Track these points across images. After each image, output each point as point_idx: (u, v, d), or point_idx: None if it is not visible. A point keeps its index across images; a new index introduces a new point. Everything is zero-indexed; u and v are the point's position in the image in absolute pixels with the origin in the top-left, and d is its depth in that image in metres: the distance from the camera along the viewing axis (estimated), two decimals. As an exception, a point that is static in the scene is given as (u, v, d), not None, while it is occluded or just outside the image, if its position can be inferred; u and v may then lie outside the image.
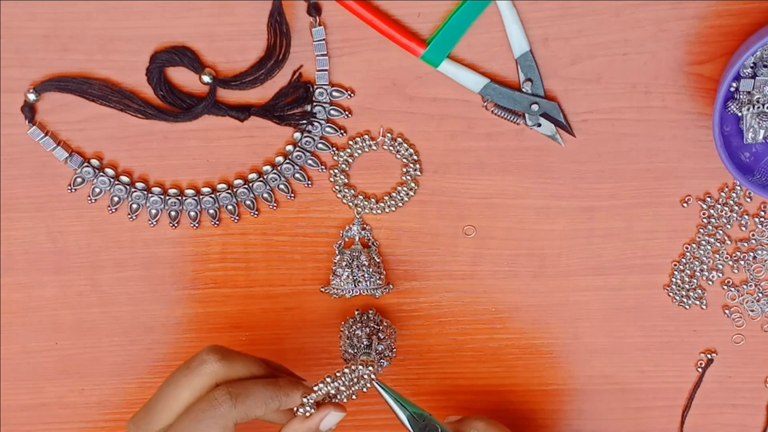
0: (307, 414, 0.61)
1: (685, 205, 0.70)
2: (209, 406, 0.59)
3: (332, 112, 0.68)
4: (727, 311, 0.72)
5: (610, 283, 0.71)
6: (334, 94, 0.67)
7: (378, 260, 0.70)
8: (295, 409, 0.61)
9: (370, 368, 0.62)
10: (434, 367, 0.73)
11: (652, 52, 0.67)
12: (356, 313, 0.70)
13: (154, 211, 0.69)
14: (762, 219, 0.70)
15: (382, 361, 0.69)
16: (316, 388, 0.61)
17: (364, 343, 0.68)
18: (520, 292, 0.72)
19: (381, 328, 0.69)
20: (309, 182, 0.69)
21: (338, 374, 0.62)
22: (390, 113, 0.68)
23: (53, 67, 0.66)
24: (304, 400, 0.61)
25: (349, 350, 0.69)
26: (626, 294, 0.72)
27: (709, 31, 0.66)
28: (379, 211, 0.70)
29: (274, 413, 0.61)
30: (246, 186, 0.69)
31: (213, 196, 0.69)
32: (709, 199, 0.70)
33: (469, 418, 0.66)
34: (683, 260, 0.71)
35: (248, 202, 0.69)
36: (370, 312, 0.71)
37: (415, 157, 0.69)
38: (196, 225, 0.70)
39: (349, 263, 0.69)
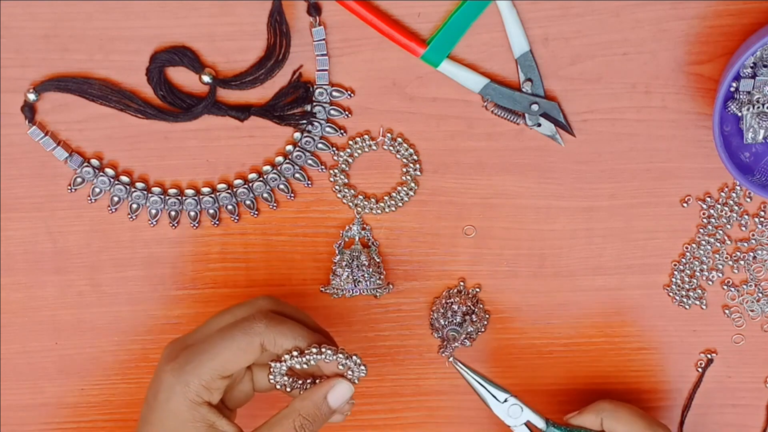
0: (285, 360, 0.60)
1: (684, 205, 0.70)
2: (245, 320, 0.60)
3: (332, 112, 0.68)
4: (727, 311, 0.72)
5: (610, 283, 0.71)
6: (334, 94, 0.67)
7: (378, 260, 0.70)
8: (282, 358, 0.61)
9: (355, 362, 0.61)
10: (434, 367, 0.73)
11: (652, 52, 0.67)
12: (460, 284, 0.70)
13: (154, 211, 0.69)
14: (762, 219, 0.70)
15: (465, 341, 0.71)
16: (307, 352, 0.61)
17: (457, 319, 0.69)
18: (520, 292, 0.72)
19: (476, 310, 0.70)
20: (309, 182, 0.69)
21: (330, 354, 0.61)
22: (390, 113, 0.68)
23: (53, 67, 0.66)
24: (287, 356, 0.60)
25: (441, 320, 0.70)
26: (626, 294, 0.72)
27: (709, 31, 0.66)
28: (379, 211, 0.70)
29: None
30: (246, 186, 0.69)
31: (213, 196, 0.69)
32: (709, 199, 0.70)
33: (592, 404, 0.67)
34: (683, 260, 0.71)
35: (248, 202, 0.69)
36: (472, 290, 0.71)
37: (415, 157, 0.69)
38: (196, 225, 0.70)
39: (349, 263, 0.69)
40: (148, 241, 0.70)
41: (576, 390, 0.73)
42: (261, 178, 0.69)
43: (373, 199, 0.70)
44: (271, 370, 0.61)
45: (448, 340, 0.70)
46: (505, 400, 0.66)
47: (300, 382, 0.63)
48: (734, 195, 0.70)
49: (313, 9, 0.65)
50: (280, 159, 0.68)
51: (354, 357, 0.61)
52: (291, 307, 0.64)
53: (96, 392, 0.73)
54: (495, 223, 0.70)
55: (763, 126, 0.65)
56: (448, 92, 0.67)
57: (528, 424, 0.67)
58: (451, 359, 0.67)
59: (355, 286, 0.69)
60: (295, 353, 0.60)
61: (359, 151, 0.69)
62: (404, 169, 0.69)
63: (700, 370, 0.73)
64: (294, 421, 0.59)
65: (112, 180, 0.68)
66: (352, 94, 0.67)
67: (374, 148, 0.69)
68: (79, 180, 0.68)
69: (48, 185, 0.68)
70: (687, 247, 0.71)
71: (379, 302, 0.72)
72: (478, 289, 0.71)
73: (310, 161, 0.69)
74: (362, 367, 0.61)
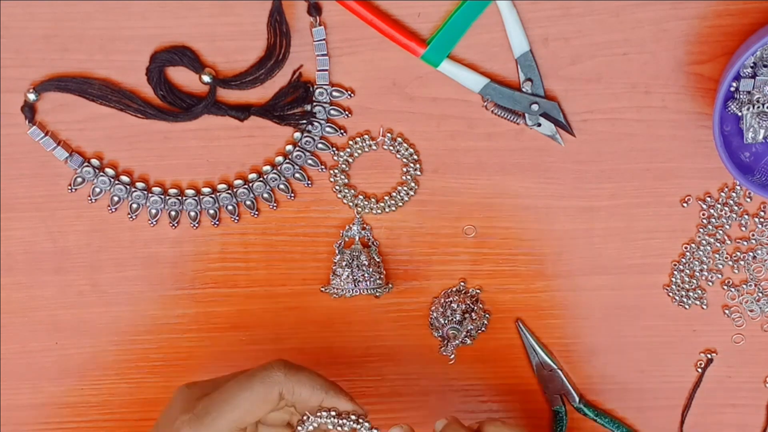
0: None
1: (685, 205, 0.70)
2: (263, 369, 0.59)
3: (332, 112, 0.68)
4: (727, 311, 0.72)
5: (610, 283, 0.71)
6: (334, 94, 0.67)
7: (378, 260, 0.70)
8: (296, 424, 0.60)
9: (366, 424, 0.61)
10: (434, 367, 0.73)
11: (652, 52, 0.67)
12: (460, 284, 0.71)
13: (154, 211, 0.69)
14: (762, 219, 0.70)
15: (466, 339, 0.71)
16: (314, 417, 0.60)
17: (457, 318, 0.69)
18: (520, 292, 0.72)
19: (475, 308, 0.70)
20: (309, 182, 0.69)
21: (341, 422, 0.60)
22: (390, 113, 0.68)
23: (53, 67, 0.66)
24: (323, 414, 0.60)
25: (440, 319, 0.71)
26: (626, 294, 0.72)
27: (709, 31, 0.66)
28: (379, 211, 0.70)
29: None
30: (246, 186, 0.69)
31: (213, 196, 0.69)
32: (709, 199, 0.70)
33: (484, 421, 0.65)
34: (683, 260, 0.71)
35: (248, 202, 0.69)
36: (472, 290, 0.71)
37: (415, 157, 0.69)
38: (196, 225, 0.70)
39: (349, 263, 0.69)
40: (148, 241, 0.70)
41: (576, 389, 0.73)
42: (261, 178, 0.69)
43: (373, 199, 0.70)
44: (304, 424, 0.60)
45: (448, 338, 0.71)
46: (551, 370, 0.72)
47: None
48: (734, 195, 0.70)
49: (313, 9, 0.65)
50: (280, 159, 0.68)
51: None
52: (306, 370, 0.62)
53: (96, 392, 0.73)
54: (495, 223, 0.70)
55: (763, 126, 0.65)
56: (448, 92, 0.67)
57: (563, 396, 0.72)
58: (518, 324, 0.71)
59: (355, 286, 0.69)
60: (332, 413, 0.60)
61: (359, 151, 0.69)
62: (404, 169, 0.69)
63: (700, 370, 0.73)
64: None
65: (112, 180, 0.68)
66: (352, 94, 0.67)
67: (374, 148, 0.69)
68: (79, 180, 0.68)
69: (48, 185, 0.68)
70: (687, 247, 0.71)
71: (379, 302, 0.72)
72: (479, 290, 0.71)
73: (310, 161, 0.69)
74: None
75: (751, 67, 0.65)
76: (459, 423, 0.61)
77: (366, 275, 0.69)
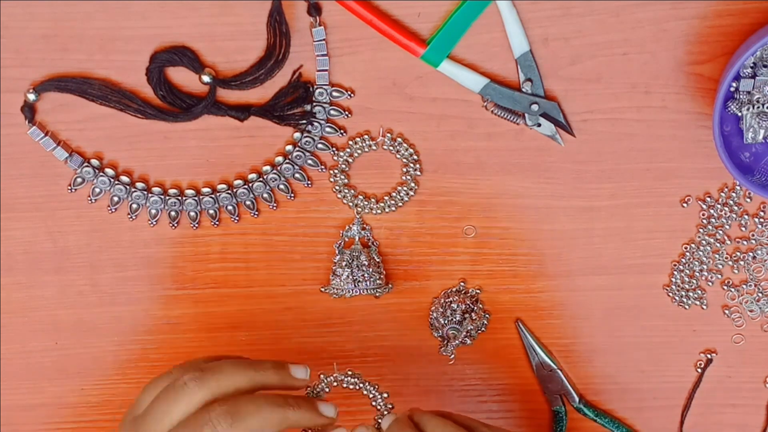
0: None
1: (685, 205, 0.70)
2: (174, 380, 0.56)
3: (332, 112, 0.68)
4: (726, 311, 0.72)
5: (610, 283, 0.71)
6: (334, 94, 0.67)
7: (378, 260, 0.70)
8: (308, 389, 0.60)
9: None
10: (434, 367, 0.73)
11: (652, 52, 0.67)
12: (460, 284, 0.71)
13: (154, 211, 0.69)
14: (761, 219, 0.70)
15: (466, 339, 0.71)
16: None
17: (457, 318, 0.69)
18: (520, 292, 0.72)
19: (475, 308, 0.70)
20: (309, 182, 0.69)
21: None
22: (390, 113, 0.68)
23: (53, 67, 0.66)
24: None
25: (440, 319, 0.71)
26: (626, 294, 0.72)
27: (709, 31, 0.66)
28: (379, 211, 0.70)
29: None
30: (246, 186, 0.69)
31: (213, 196, 0.69)
32: (709, 199, 0.70)
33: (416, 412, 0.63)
34: (683, 260, 0.71)
35: (248, 203, 0.69)
36: (472, 290, 0.71)
37: (415, 157, 0.69)
38: (196, 225, 0.70)
39: (349, 263, 0.69)
40: (148, 241, 0.70)
41: (575, 389, 0.73)
42: (261, 179, 0.69)
43: (373, 199, 0.70)
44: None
45: (448, 338, 0.71)
46: (551, 371, 0.72)
47: None
48: (734, 195, 0.70)
49: (313, 9, 0.65)
50: (280, 159, 0.68)
51: None
52: (219, 365, 0.59)
53: (96, 392, 0.73)
54: (495, 223, 0.70)
55: (763, 126, 0.65)
56: (448, 92, 0.67)
57: (563, 396, 0.72)
58: (518, 324, 0.71)
59: (355, 286, 0.69)
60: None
61: (359, 151, 0.69)
62: (404, 169, 0.69)
63: (699, 370, 0.73)
64: None
65: (112, 180, 0.68)
66: (352, 94, 0.67)
67: (374, 148, 0.69)
68: (79, 180, 0.68)
69: (48, 185, 0.68)
70: (687, 247, 0.71)
71: (379, 302, 0.72)
72: (479, 290, 0.71)
73: (310, 161, 0.69)
74: None
75: (751, 67, 0.65)
76: (407, 422, 0.60)
77: (366, 275, 0.69)
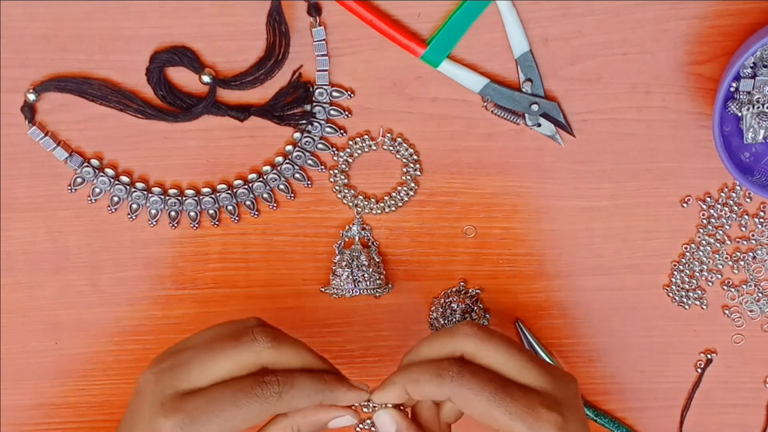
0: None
1: (684, 205, 0.70)
2: (259, 391, 0.57)
3: (332, 112, 0.68)
4: (726, 311, 0.72)
5: (610, 283, 0.71)
6: (334, 94, 0.67)
7: (378, 260, 0.70)
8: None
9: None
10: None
11: (652, 52, 0.67)
12: (460, 284, 0.70)
13: (154, 211, 0.69)
14: (761, 219, 0.70)
15: None
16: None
17: (457, 318, 0.69)
18: (520, 292, 0.72)
19: (475, 308, 0.70)
20: (309, 182, 0.69)
21: None
22: (390, 113, 0.68)
23: (53, 67, 0.66)
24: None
25: (440, 320, 0.70)
26: (626, 294, 0.72)
27: (709, 31, 0.66)
28: (379, 211, 0.70)
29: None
30: (246, 186, 0.69)
31: (213, 196, 0.69)
32: (709, 199, 0.70)
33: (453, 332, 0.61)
34: (683, 260, 0.71)
35: (248, 203, 0.69)
36: (472, 290, 0.71)
37: (415, 157, 0.69)
38: (196, 225, 0.70)
39: (349, 263, 0.69)
40: (148, 241, 0.70)
41: (576, 390, 0.73)
42: (261, 179, 0.69)
43: (373, 199, 0.70)
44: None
45: None
46: None
47: None
48: (734, 195, 0.70)
49: (313, 9, 0.65)
50: (280, 159, 0.68)
51: None
52: (290, 341, 0.60)
53: (96, 392, 0.73)
54: (495, 223, 0.70)
55: (763, 126, 0.65)
56: (448, 92, 0.67)
57: None
58: (517, 324, 0.71)
59: (355, 286, 0.69)
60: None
61: (359, 152, 0.69)
62: (404, 169, 0.69)
63: (699, 370, 0.73)
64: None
65: (112, 180, 0.68)
66: (352, 95, 0.67)
67: (374, 148, 0.69)
68: (79, 180, 0.68)
69: (48, 185, 0.68)
70: (687, 248, 0.71)
71: (379, 302, 0.72)
72: (479, 290, 0.71)
73: (310, 161, 0.69)
74: None
75: (751, 67, 0.65)
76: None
77: (366, 275, 0.69)
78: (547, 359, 0.71)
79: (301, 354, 0.59)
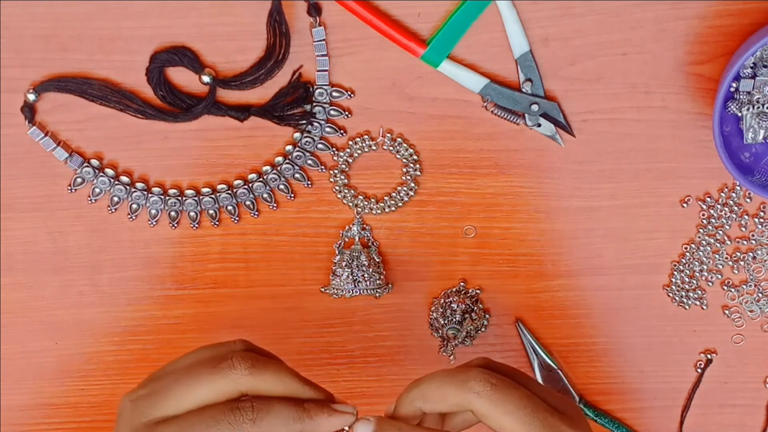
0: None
1: (684, 205, 0.70)
2: (232, 418, 0.55)
3: (332, 112, 0.68)
4: (726, 311, 0.72)
5: (610, 283, 0.71)
6: (334, 94, 0.67)
7: (378, 260, 0.70)
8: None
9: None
10: (434, 367, 0.73)
11: (652, 52, 0.67)
12: (460, 285, 0.71)
13: (154, 211, 0.69)
14: (761, 219, 0.70)
15: (466, 339, 0.71)
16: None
17: (457, 318, 0.69)
18: (520, 292, 0.72)
19: (475, 309, 0.70)
20: (309, 182, 0.69)
21: None
22: (390, 113, 0.68)
23: (53, 67, 0.66)
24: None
25: (440, 320, 0.71)
26: (626, 294, 0.72)
27: (709, 31, 0.66)
28: (379, 211, 0.70)
29: None
30: (246, 186, 0.69)
31: (213, 196, 0.69)
32: (709, 199, 0.70)
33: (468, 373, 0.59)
34: (683, 260, 0.71)
35: (248, 203, 0.69)
36: (472, 290, 0.71)
37: (415, 157, 0.69)
38: (196, 225, 0.70)
39: (349, 263, 0.69)
40: (148, 241, 0.70)
41: (576, 389, 0.73)
42: (261, 179, 0.69)
43: (373, 199, 0.70)
44: None
45: (448, 339, 0.71)
46: (551, 371, 0.72)
47: None
48: (734, 195, 0.70)
49: (313, 9, 0.65)
50: (280, 159, 0.68)
51: None
52: (271, 365, 0.58)
53: (96, 392, 0.73)
54: (495, 223, 0.70)
55: (763, 126, 0.65)
56: (448, 92, 0.67)
57: None
58: (518, 324, 0.71)
59: (355, 286, 0.69)
60: None
61: (359, 152, 0.69)
62: (404, 169, 0.69)
63: (699, 370, 0.73)
64: None
65: (112, 180, 0.68)
66: (352, 95, 0.67)
67: (374, 148, 0.69)
68: (79, 180, 0.68)
69: (48, 185, 0.68)
70: (687, 248, 0.71)
71: (379, 302, 0.72)
72: (479, 291, 0.71)
73: (310, 161, 0.69)
74: None
75: (751, 67, 0.65)
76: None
77: (366, 275, 0.69)
78: (548, 360, 0.71)
79: (283, 380, 0.57)
